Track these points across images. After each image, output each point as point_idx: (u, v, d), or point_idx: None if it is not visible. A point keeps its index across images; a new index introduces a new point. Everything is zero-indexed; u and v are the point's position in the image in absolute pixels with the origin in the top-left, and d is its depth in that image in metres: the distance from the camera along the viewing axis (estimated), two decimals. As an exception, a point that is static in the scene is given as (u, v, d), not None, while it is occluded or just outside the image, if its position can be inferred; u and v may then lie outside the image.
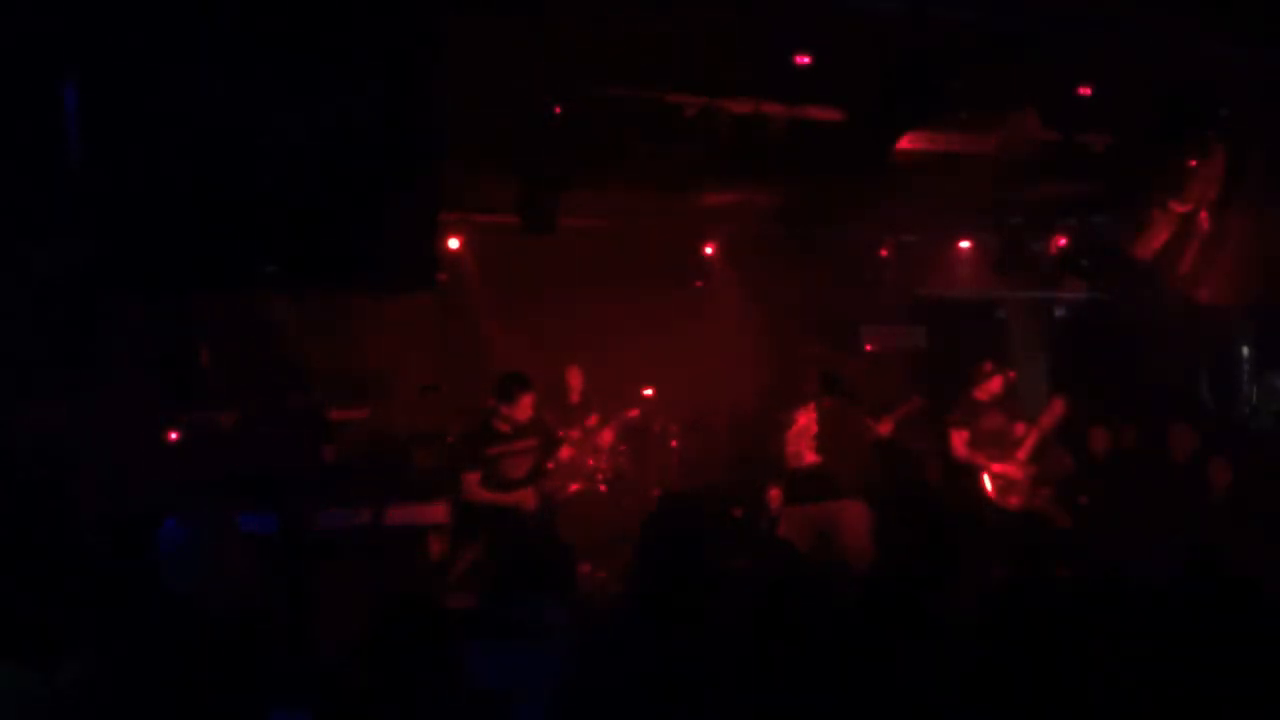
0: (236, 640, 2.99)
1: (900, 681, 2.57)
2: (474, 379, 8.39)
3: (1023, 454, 7.17)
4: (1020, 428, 7.30)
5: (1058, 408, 7.29)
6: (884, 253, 10.55)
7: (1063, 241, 9.95)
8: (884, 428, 7.05)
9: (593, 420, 8.04)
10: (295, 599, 5.36)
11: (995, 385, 7.37)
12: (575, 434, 7.73)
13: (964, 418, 7.38)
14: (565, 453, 6.92)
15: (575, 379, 8.40)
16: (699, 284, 10.13)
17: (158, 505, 5.75)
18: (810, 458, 6.56)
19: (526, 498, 6.44)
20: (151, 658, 2.81)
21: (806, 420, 6.61)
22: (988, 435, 7.30)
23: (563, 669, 2.85)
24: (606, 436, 7.40)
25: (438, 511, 6.74)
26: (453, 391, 8.49)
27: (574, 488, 6.92)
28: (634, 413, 8.09)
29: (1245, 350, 10.58)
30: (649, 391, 8.78)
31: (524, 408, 6.43)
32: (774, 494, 6.67)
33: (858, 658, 2.53)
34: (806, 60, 5.38)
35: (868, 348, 10.82)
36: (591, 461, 7.82)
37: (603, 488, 7.92)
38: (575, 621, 3.21)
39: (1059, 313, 11.37)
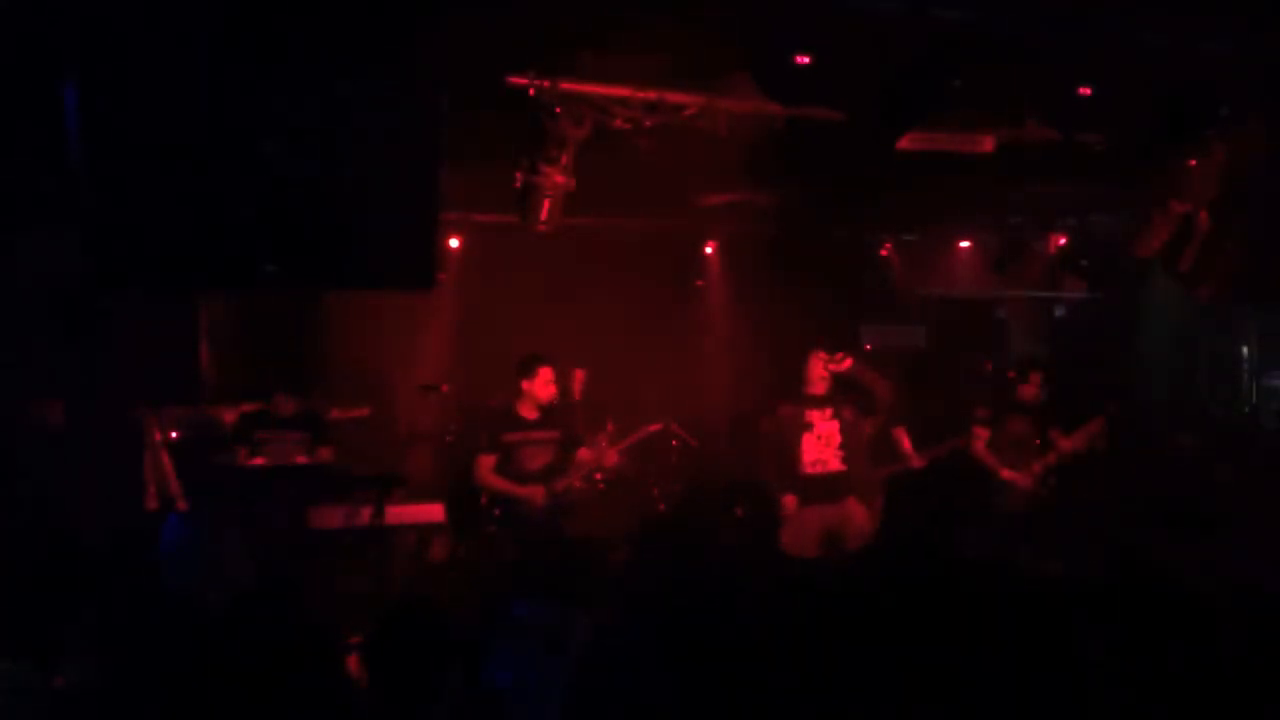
0: (235, 639, 2.99)
1: (912, 685, 2.57)
2: (474, 378, 8.40)
3: (1039, 467, 7.11)
4: (1054, 434, 7.20)
5: (1095, 428, 7.22)
6: (884, 252, 10.56)
7: (1063, 241, 9.95)
8: (917, 462, 7.12)
9: (608, 429, 8.02)
10: (294, 599, 5.35)
11: (1037, 387, 7.30)
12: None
13: (991, 417, 7.32)
14: (582, 454, 6.87)
15: (577, 378, 8.40)
16: (699, 283, 10.13)
17: (157, 506, 5.79)
18: (836, 466, 6.57)
19: (537, 493, 6.38)
20: (151, 657, 2.81)
21: (828, 430, 6.59)
22: (1010, 440, 7.24)
23: (570, 674, 2.85)
24: (624, 446, 7.41)
25: (437, 511, 6.74)
26: (453, 391, 8.50)
27: (576, 485, 6.88)
28: (656, 426, 8.10)
29: (1245, 350, 10.58)
30: (647, 391, 8.78)
31: (544, 383, 6.39)
32: (789, 500, 6.61)
33: (863, 661, 2.52)
34: (806, 60, 5.38)
35: (867, 347, 10.82)
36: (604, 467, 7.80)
37: (601, 486, 7.91)
38: (581, 624, 3.20)
39: (1059, 313, 11.37)
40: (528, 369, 6.38)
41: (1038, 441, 7.20)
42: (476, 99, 5.30)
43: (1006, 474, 7.13)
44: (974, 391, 8.59)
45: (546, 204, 6.37)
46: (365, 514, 6.23)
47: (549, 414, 6.47)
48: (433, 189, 4.67)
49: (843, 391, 6.61)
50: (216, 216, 4.16)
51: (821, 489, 6.50)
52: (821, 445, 6.57)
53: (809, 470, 6.55)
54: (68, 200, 4.18)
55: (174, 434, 7.11)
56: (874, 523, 6.67)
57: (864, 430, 6.73)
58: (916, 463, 7.33)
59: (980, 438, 7.29)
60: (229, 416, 7.01)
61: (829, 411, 6.60)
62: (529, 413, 6.41)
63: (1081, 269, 9.98)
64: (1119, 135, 6.56)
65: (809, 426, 6.57)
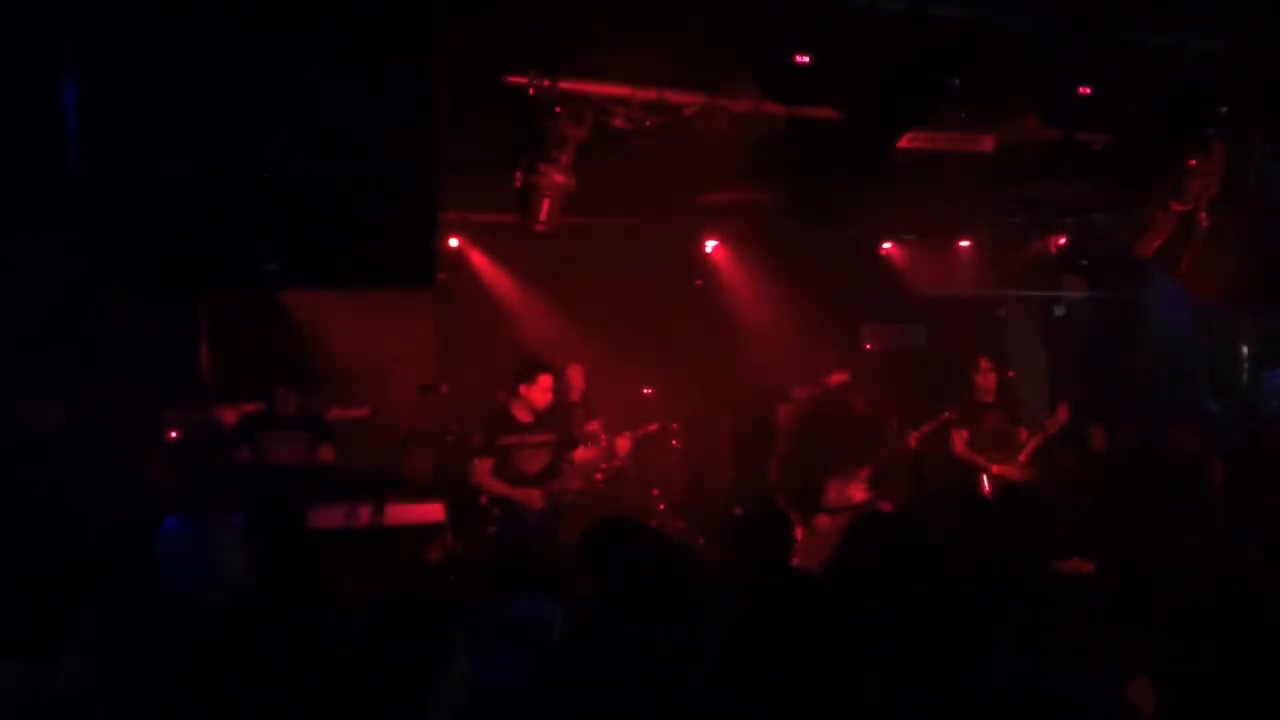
0: (235, 638, 2.99)
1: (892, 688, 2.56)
2: (474, 378, 8.39)
3: (1023, 456, 7.19)
4: (1023, 432, 7.32)
5: (1062, 412, 7.31)
6: (884, 252, 10.56)
7: (1063, 241, 9.95)
8: (910, 441, 7.11)
9: (595, 425, 8.01)
10: (293, 600, 5.35)
11: (990, 380, 7.39)
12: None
13: (964, 417, 7.40)
14: (579, 454, 6.87)
15: (576, 377, 8.39)
16: (699, 282, 10.13)
17: (158, 505, 5.78)
18: (860, 497, 6.62)
19: (533, 495, 6.39)
20: (151, 658, 2.80)
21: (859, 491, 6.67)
22: (989, 436, 7.31)
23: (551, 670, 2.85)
24: (623, 445, 7.41)
25: (437, 511, 6.73)
26: (452, 391, 8.48)
27: (575, 485, 6.88)
28: (653, 426, 8.09)
29: (1245, 349, 10.58)
30: (647, 390, 8.78)
31: (542, 390, 6.40)
32: (821, 521, 6.68)
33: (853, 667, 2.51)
34: (806, 60, 5.38)
35: (867, 346, 10.81)
36: (604, 465, 7.81)
37: (602, 486, 7.91)
38: (570, 622, 3.20)
39: (1059, 312, 11.37)
40: (528, 374, 6.38)
41: (1015, 434, 7.31)
42: (477, 99, 5.30)
43: (997, 469, 7.20)
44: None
45: (546, 203, 6.37)
46: (365, 514, 6.23)
47: (544, 417, 6.47)
48: (433, 188, 4.67)
49: None
50: (217, 216, 4.16)
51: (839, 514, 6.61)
52: (844, 486, 6.64)
53: (831, 505, 6.63)
54: (68, 201, 4.18)
55: (174, 434, 7.10)
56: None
57: (899, 458, 6.80)
58: (910, 442, 7.46)
59: (960, 439, 7.36)
60: (230, 417, 7.01)
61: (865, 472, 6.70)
62: (524, 416, 6.42)
63: (1081, 268, 9.98)
64: (1119, 135, 6.57)
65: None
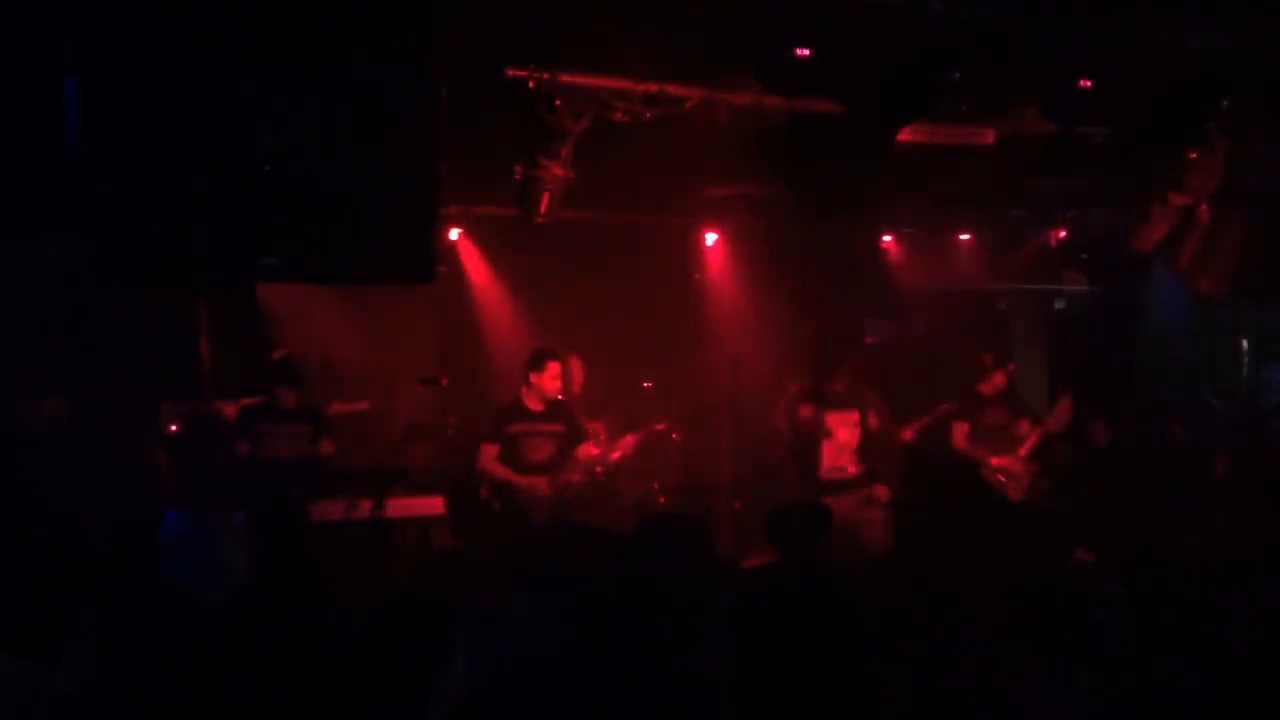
0: (236, 634, 3.00)
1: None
2: (474, 372, 8.40)
3: (1024, 450, 7.16)
4: (1024, 425, 7.28)
5: (1064, 408, 7.28)
6: (885, 245, 10.55)
7: (1063, 235, 9.93)
8: (907, 433, 7.10)
9: (599, 426, 8.02)
10: (294, 594, 5.36)
11: (998, 379, 7.34)
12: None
13: (966, 411, 7.38)
14: (583, 450, 6.89)
15: (576, 371, 8.39)
16: (697, 277, 10.11)
17: (158, 500, 5.78)
18: (853, 470, 6.62)
19: (539, 484, 6.43)
20: (152, 653, 2.81)
21: (848, 435, 6.65)
22: (990, 430, 7.29)
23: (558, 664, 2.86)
24: (628, 443, 7.44)
25: (437, 504, 6.75)
26: (453, 384, 8.48)
27: (576, 479, 6.90)
28: (661, 425, 8.12)
29: (1244, 343, 10.57)
30: (647, 384, 8.78)
31: (552, 377, 6.47)
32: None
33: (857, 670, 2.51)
34: (807, 53, 5.38)
35: (869, 340, 10.80)
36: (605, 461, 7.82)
37: (603, 479, 7.90)
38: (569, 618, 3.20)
39: (1059, 305, 11.35)
40: (536, 362, 6.46)
41: (1016, 428, 7.29)
42: (477, 92, 5.29)
43: (996, 461, 7.18)
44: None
45: (546, 196, 6.36)
46: (365, 508, 6.25)
47: (554, 407, 6.53)
48: (433, 182, 4.67)
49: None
50: (216, 213, 4.16)
51: (836, 492, 6.56)
52: (838, 452, 6.62)
53: (825, 476, 6.61)
54: (67, 195, 4.18)
55: (174, 427, 7.11)
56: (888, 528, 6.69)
57: (890, 433, 6.79)
58: (907, 434, 7.47)
59: (959, 433, 7.34)
60: (230, 410, 7.02)
61: (854, 416, 6.64)
62: (534, 405, 6.48)
63: (1082, 262, 9.98)
64: (1120, 128, 6.56)
65: (829, 434, 6.63)
